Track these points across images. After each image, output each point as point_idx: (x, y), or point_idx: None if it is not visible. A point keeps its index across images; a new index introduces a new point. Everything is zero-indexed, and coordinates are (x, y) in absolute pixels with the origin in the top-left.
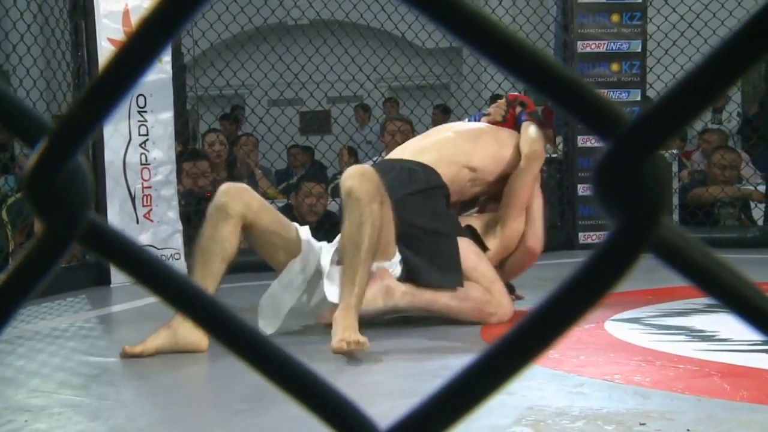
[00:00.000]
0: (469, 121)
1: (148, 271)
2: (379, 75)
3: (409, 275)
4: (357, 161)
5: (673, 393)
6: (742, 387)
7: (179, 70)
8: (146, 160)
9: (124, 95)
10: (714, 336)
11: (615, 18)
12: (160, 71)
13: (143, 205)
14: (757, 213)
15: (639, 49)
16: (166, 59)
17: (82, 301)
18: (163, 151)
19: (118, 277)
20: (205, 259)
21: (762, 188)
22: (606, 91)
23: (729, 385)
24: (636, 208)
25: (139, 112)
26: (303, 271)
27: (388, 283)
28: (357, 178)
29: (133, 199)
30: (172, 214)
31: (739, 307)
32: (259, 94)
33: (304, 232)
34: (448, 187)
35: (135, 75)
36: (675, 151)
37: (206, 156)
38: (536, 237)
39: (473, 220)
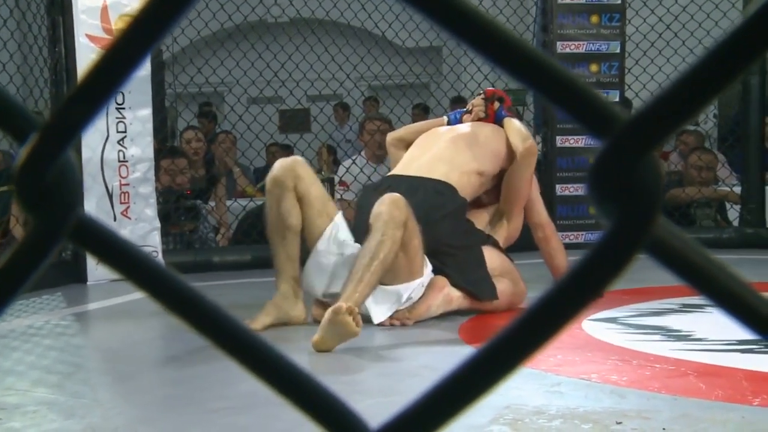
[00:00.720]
0: (449, 120)
1: (137, 268)
2: (359, 74)
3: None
4: (336, 160)
5: (649, 392)
6: (717, 386)
7: (158, 67)
8: (124, 157)
9: (115, 91)
10: (690, 336)
11: (594, 19)
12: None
13: (121, 203)
14: (733, 214)
15: (618, 50)
16: None
17: (58, 298)
18: (141, 149)
19: (94, 275)
20: (281, 237)
21: (738, 189)
22: None
23: (704, 385)
24: (632, 207)
25: (117, 108)
26: (328, 253)
27: (447, 291)
28: (387, 205)
29: (110, 197)
30: (150, 211)
31: (733, 307)
32: (239, 91)
33: (339, 216)
34: (466, 199)
35: (127, 71)
36: None
37: (184, 153)
38: (543, 224)
39: (477, 216)
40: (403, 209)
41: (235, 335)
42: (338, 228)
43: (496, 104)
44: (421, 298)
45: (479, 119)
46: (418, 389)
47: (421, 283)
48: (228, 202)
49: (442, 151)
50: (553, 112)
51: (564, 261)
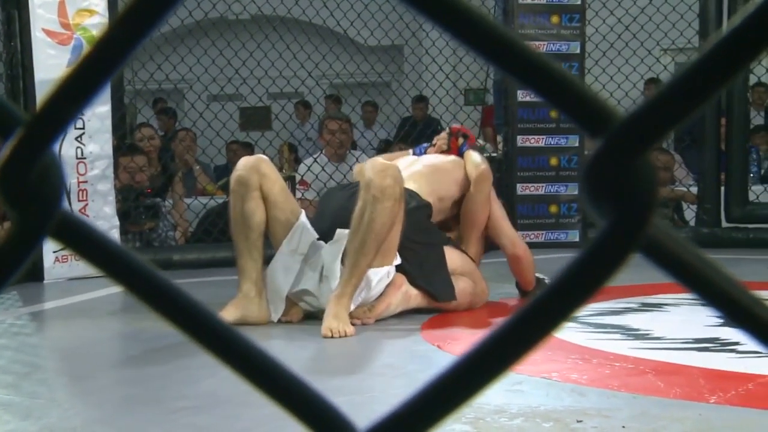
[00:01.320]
0: (414, 152)
1: (120, 266)
2: (321, 72)
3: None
4: (297, 158)
5: (609, 390)
6: (674, 384)
7: None
8: (82, 154)
9: (102, 86)
10: (648, 335)
11: (555, 19)
12: None
13: (79, 200)
14: (689, 214)
15: (578, 51)
16: None
17: (13, 297)
18: (99, 146)
19: (51, 273)
20: (244, 237)
21: (694, 190)
22: None
23: (662, 383)
24: (627, 207)
25: None
26: (294, 253)
27: (406, 289)
28: (378, 173)
29: (68, 194)
30: (109, 209)
31: (727, 309)
32: (199, 89)
33: (303, 216)
34: (430, 203)
35: (114, 65)
36: None
37: (144, 151)
38: (513, 243)
39: None
40: (396, 178)
41: (222, 335)
42: (303, 227)
43: (460, 140)
44: (380, 296)
45: (442, 152)
46: (380, 388)
47: (387, 272)
48: (188, 200)
49: (411, 175)
50: (515, 112)
51: (533, 277)
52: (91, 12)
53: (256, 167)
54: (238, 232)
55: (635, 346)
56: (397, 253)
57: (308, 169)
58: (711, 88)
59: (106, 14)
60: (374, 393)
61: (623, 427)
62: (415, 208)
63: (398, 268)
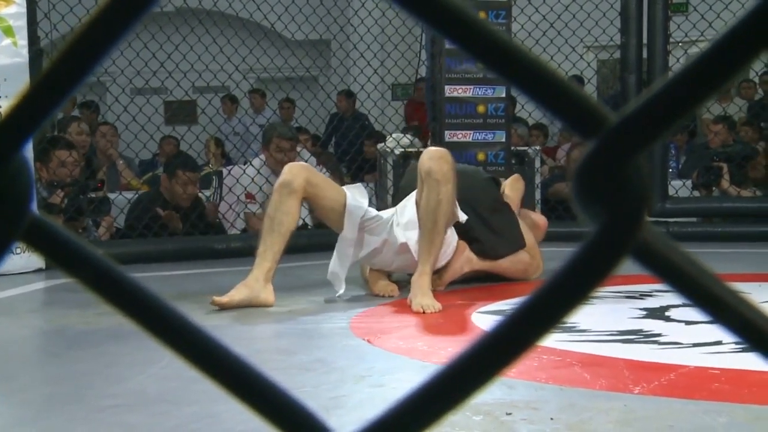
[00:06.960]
0: None
1: (90, 270)
2: (248, 66)
3: (479, 247)
4: (224, 153)
5: (537, 383)
6: (600, 376)
7: (36, 55)
8: None
9: (75, 86)
10: (574, 327)
11: (482, 15)
12: (15, 55)
13: None
14: None
15: None
16: (21, 43)
17: None
18: None
19: None
20: (272, 231)
21: None
22: (472, 86)
23: (589, 374)
24: (618, 210)
25: None
26: (344, 238)
27: (468, 254)
28: (436, 161)
29: None
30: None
31: (715, 311)
32: (123, 82)
33: (350, 198)
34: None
35: (88, 65)
36: (537, 148)
37: (73, 144)
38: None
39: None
40: (450, 162)
41: (195, 340)
42: (349, 212)
43: None
44: (446, 263)
45: None
46: (311, 384)
47: (451, 241)
48: (112, 195)
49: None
50: (442, 107)
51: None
52: (8, 2)
53: (300, 173)
54: (268, 223)
55: (562, 338)
56: (459, 210)
57: (251, 181)
58: (704, 91)
59: (24, 4)
60: (305, 389)
61: (551, 418)
62: (486, 178)
63: (468, 235)
